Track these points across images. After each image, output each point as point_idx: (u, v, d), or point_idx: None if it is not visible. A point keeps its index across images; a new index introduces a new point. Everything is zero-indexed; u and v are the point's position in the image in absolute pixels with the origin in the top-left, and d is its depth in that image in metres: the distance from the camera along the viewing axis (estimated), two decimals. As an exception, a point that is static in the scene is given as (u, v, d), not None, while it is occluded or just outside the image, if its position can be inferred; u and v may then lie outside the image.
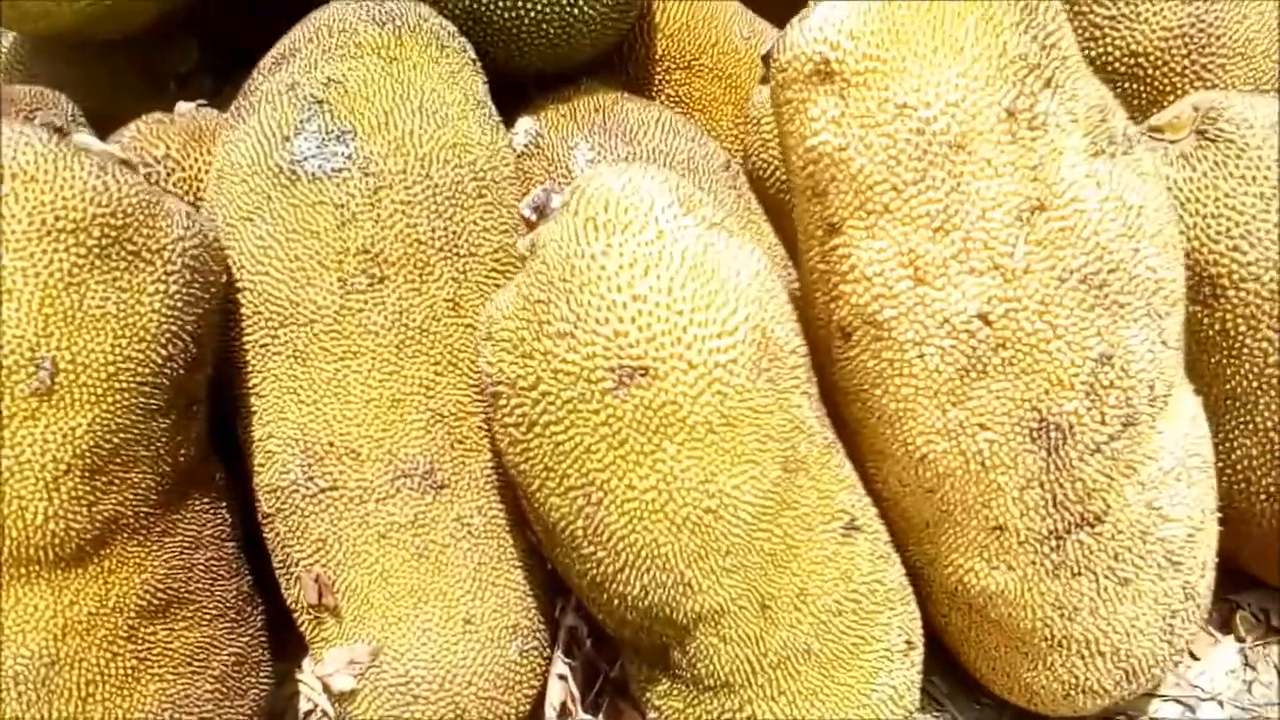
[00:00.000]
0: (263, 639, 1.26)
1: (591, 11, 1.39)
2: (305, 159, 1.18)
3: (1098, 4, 1.40)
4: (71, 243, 1.00)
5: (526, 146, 1.45)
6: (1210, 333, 1.25)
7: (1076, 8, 1.42)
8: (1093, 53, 1.42)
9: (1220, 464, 1.30)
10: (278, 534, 1.23)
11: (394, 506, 1.20)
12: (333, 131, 1.19)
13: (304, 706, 1.40)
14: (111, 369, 1.02)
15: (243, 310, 1.19)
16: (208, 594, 1.16)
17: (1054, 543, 1.13)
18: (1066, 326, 1.05)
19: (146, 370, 1.05)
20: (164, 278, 1.06)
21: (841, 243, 1.09)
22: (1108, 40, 1.41)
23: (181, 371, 1.09)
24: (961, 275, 1.04)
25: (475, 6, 1.36)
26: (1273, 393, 1.24)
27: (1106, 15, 1.40)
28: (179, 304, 1.08)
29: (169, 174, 1.36)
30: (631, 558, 1.08)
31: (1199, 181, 1.22)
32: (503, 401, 1.09)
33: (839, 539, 1.14)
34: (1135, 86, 1.43)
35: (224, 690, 1.18)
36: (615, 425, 1.04)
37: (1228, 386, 1.27)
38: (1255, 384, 1.25)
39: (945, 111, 1.01)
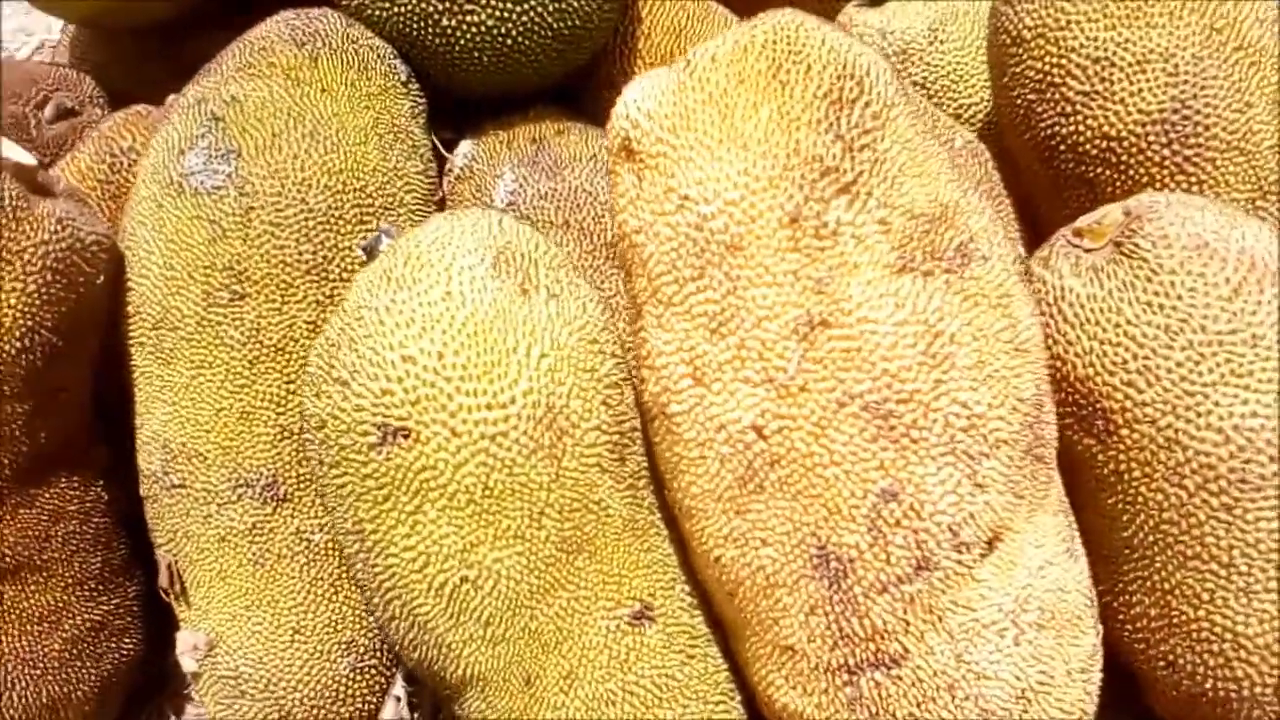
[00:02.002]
0: (133, 609, 1.36)
1: (528, 43, 1.37)
2: (192, 173, 1.24)
3: (1071, 77, 1.25)
4: (-73, 241, 1.10)
5: (462, 170, 1.45)
6: (1105, 471, 1.11)
7: (1050, 79, 1.26)
8: (1064, 130, 1.27)
9: (1118, 620, 1.16)
10: (147, 517, 1.31)
11: (234, 512, 1.25)
12: (220, 150, 1.24)
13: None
14: (-37, 356, 1.12)
15: (127, 308, 1.27)
16: (65, 563, 1.26)
17: (846, 676, 1.04)
18: (845, 454, 0.96)
19: (5, 357, 1.15)
20: (22, 277, 1.15)
21: (640, 326, 1.04)
22: (1080, 119, 1.25)
23: (39, 363, 1.18)
24: (737, 383, 0.97)
25: (409, 30, 1.36)
26: (1169, 551, 1.08)
27: (1080, 90, 1.24)
28: (37, 302, 1.16)
29: (130, 165, 1.46)
30: (397, 611, 1.09)
31: (1103, 301, 1.07)
32: (307, 435, 1.12)
33: (623, 626, 1.10)
34: (1109, 174, 1.26)
35: (74, 652, 1.28)
36: (380, 480, 1.04)
37: (1124, 535, 1.12)
38: (1151, 538, 1.09)
39: (723, 210, 0.93)
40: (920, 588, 0.99)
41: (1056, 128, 1.27)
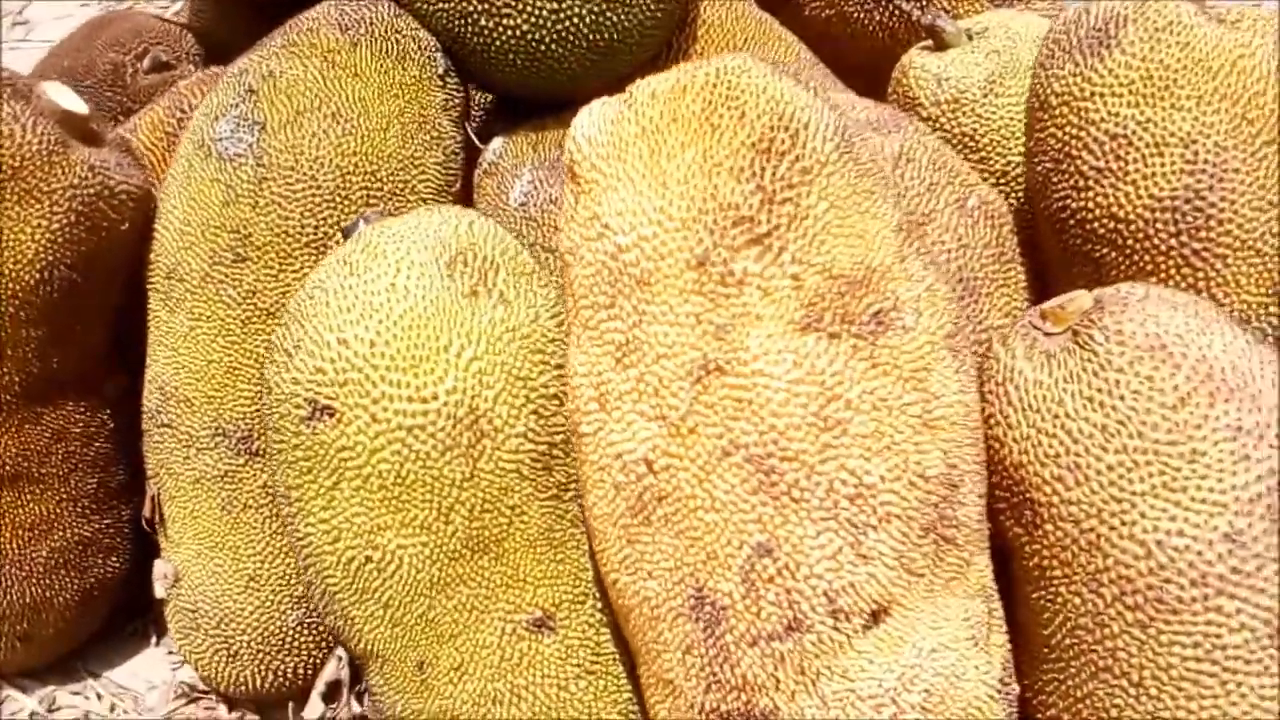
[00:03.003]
0: (123, 530, 1.47)
1: (561, 51, 1.40)
2: (220, 139, 1.32)
3: (1087, 150, 1.19)
4: (-29, 171, 1.22)
5: (489, 166, 1.49)
6: (1030, 564, 1.06)
7: (1068, 149, 1.21)
8: (1075, 205, 1.21)
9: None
10: (144, 449, 1.42)
11: (210, 459, 1.34)
12: (248, 120, 1.32)
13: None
14: (-12, 279, 1.24)
15: (150, 254, 1.37)
16: (61, 479, 1.38)
17: (720, 720, 1.04)
18: (725, 502, 0.95)
19: (18, 287, 1.26)
20: (48, 215, 1.26)
21: (568, 345, 1.05)
22: (1091, 195, 1.19)
23: (56, 296, 1.29)
24: (634, 415, 0.97)
25: (451, 27, 1.41)
26: (1083, 659, 1.03)
27: (1093, 165, 1.18)
28: (60, 240, 1.27)
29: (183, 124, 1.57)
30: (314, 577, 1.14)
31: (1048, 390, 1.03)
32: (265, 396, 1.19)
33: (520, 631, 1.13)
34: (1114, 256, 1.20)
35: (61, 561, 1.40)
36: (305, 452, 1.09)
37: (1044, 633, 1.07)
38: (1067, 640, 1.04)
39: (637, 244, 0.94)
40: (791, 648, 0.98)
41: (1068, 201, 1.21)
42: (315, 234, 1.31)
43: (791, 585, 0.96)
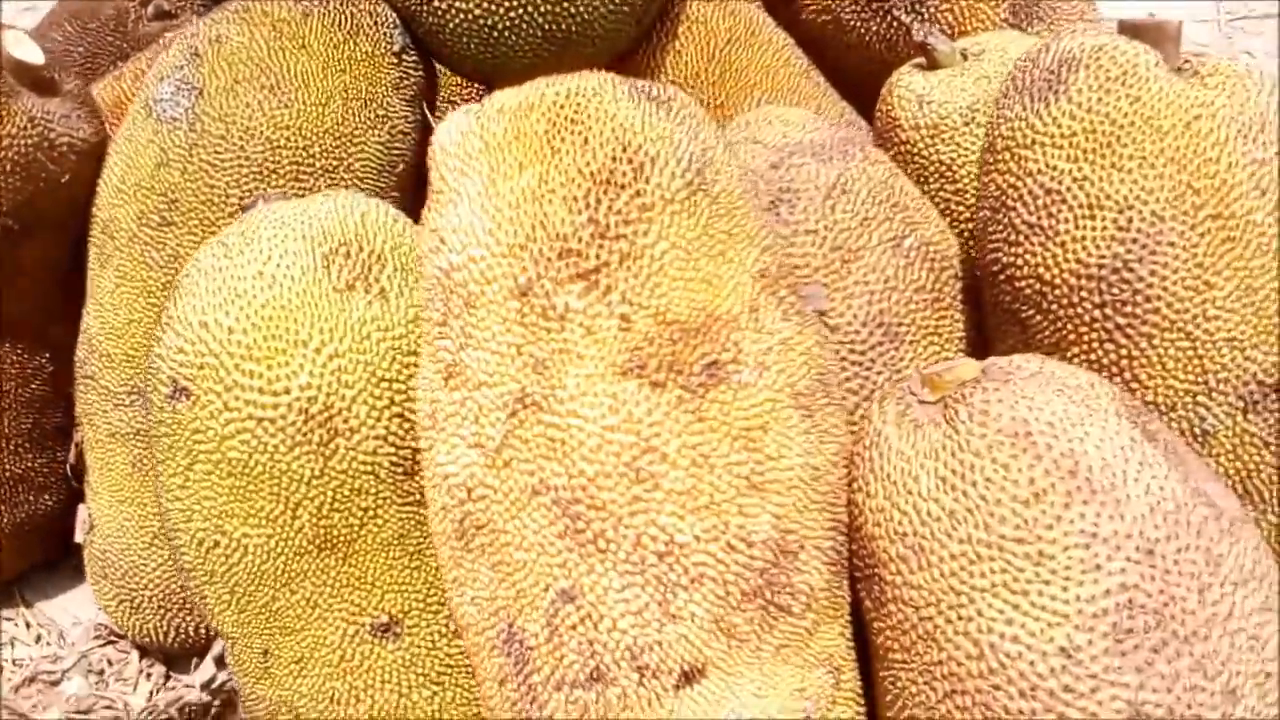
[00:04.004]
0: (57, 472, 1.50)
1: (515, 38, 1.36)
2: (159, 100, 1.33)
3: (1021, 203, 1.09)
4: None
5: (442, 148, 1.46)
6: (875, 640, 1.00)
7: (1005, 199, 1.11)
8: (1005, 259, 1.12)
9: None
10: (75, 395, 1.45)
11: (125, 415, 1.36)
12: (187, 84, 1.32)
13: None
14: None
15: (93, 208, 1.39)
16: None
17: (532, 757, 1.01)
18: (533, 543, 0.91)
19: (-48, 232, 1.29)
20: (-16, 162, 1.28)
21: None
22: (1019, 252, 1.10)
23: (15, 226, 1.31)
24: (456, 439, 0.94)
25: (409, 3, 1.38)
26: (914, 743, 0.97)
27: (1025, 220, 1.09)
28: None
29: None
30: (175, 552, 1.15)
31: (908, 462, 0.95)
32: (154, 367, 1.19)
33: (363, 633, 1.11)
34: (1040, 320, 1.10)
35: (10, 486, 1.44)
36: (168, 429, 1.09)
37: (888, 715, 1.01)
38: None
39: (466, 264, 0.90)
40: (595, 698, 0.94)
41: (1000, 254, 1.12)
42: (240, 204, 1.30)
43: (593, 636, 0.92)
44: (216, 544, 1.09)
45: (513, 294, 0.88)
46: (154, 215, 1.31)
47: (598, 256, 0.87)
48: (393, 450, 1.09)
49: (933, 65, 1.44)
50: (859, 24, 1.54)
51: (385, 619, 1.12)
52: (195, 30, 1.37)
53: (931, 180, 1.41)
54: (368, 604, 1.11)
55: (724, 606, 0.92)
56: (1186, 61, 1.10)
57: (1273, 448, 1.05)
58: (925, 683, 0.94)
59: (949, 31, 1.53)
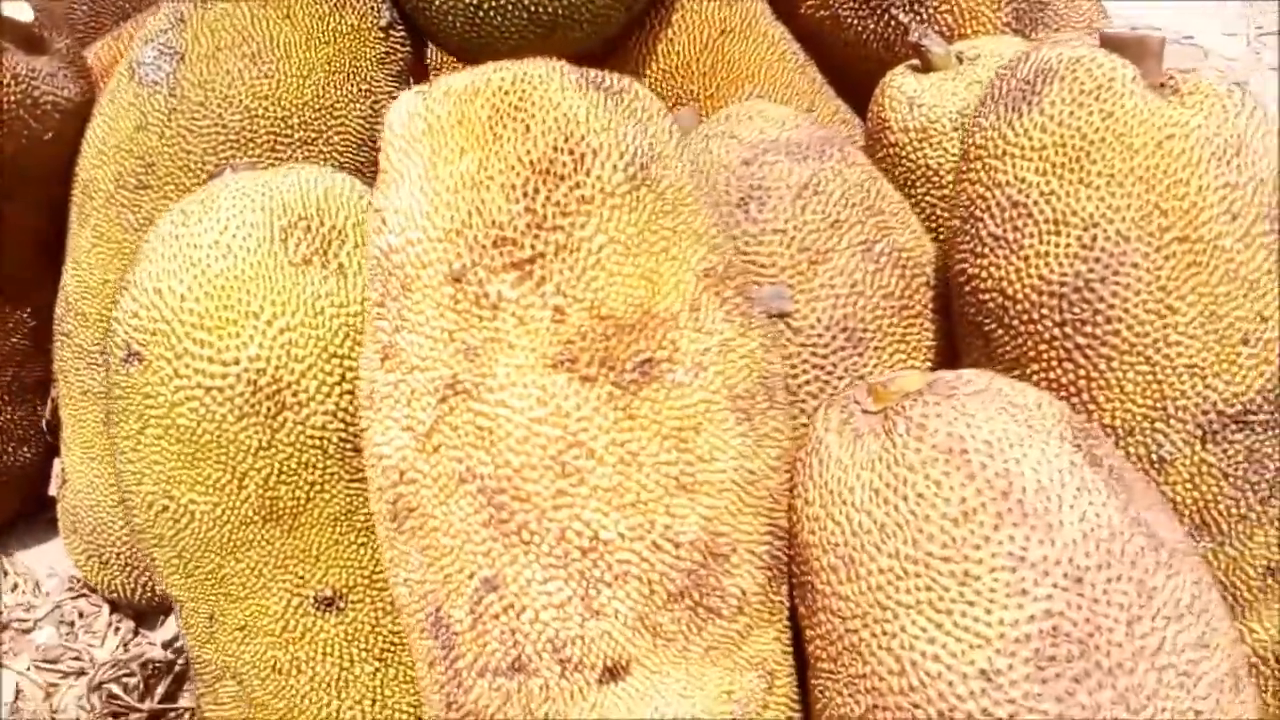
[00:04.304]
0: (37, 425, 1.52)
1: (501, 20, 1.34)
2: (142, 64, 1.33)
3: (989, 214, 1.07)
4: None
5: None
6: (808, 649, 0.99)
7: (973, 210, 1.09)
8: (971, 271, 1.10)
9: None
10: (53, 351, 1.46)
11: (96, 374, 1.37)
12: (169, 49, 1.32)
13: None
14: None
15: (77, 166, 1.40)
16: None
17: (458, 740, 1.01)
18: (459, 529, 0.91)
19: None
20: (-33, 116, 1.29)
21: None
22: (983, 264, 1.08)
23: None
24: (390, 420, 0.94)
25: (399, -21, 1.38)
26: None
27: (991, 232, 1.07)
28: (-24, 142, 1.31)
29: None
30: (129, 510, 1.16)
31: (845, 472, 0.94)
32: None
33: (306, 606, 1.12)
34: (1000, 334, 1.08)
35: (-26, 446, 1.47)
36: (122, 391, 1.10)
37: (817, 722, 1.00)
38: (830, 736, 0.97)
39: (404, 247, 0.90)
40: (517, 687, 0.94)
41: (966, 265, 1.10)
42: (216, 172, 1.30)
43: (515, 626, 0.92)
44: (165, 508, 1.10)
45: (447, 279, 0.88)
46: (131, 178, 1.32)
47: (533, 247, 0.86)
48: (342, 426, 1.09)
49: (927, 68, 1.41)
50: (856, 22, 1.51)
51: (329, 593, 1.12)
52: (182, -3, 1.37)
53: (918, 184, 1.39)
54: (311, 577, 1.11)
55: (649, 605, 0.92)
56: (1171, 78, 1.07)
57: (1231, 479, 1.02)
58: (850, 695, 0.93)
59: (947, 34, 1.50)
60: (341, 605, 1.13)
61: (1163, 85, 1.06)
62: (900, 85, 1.40)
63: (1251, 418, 1.01)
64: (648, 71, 1.49)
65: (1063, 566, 0.85)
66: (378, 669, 1.15)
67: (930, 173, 1.38)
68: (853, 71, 1.59)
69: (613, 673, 0.94)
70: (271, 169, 1.16)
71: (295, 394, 1.06)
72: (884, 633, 0.89)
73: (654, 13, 1.49)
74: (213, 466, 1.07)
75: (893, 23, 1.48)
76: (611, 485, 0.88)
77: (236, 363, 1.05)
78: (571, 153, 0.87)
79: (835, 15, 1.51)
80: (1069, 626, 0.84)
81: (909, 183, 1.41)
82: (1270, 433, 1.01)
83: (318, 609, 1.12)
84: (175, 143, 1.30)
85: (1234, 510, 1.04)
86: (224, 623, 1.13)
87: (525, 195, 0.86)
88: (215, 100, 1.30)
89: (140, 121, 1.31)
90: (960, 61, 1.41)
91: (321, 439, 1.08)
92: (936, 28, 1.49)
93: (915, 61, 1.42)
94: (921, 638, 0.87)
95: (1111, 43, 1.06)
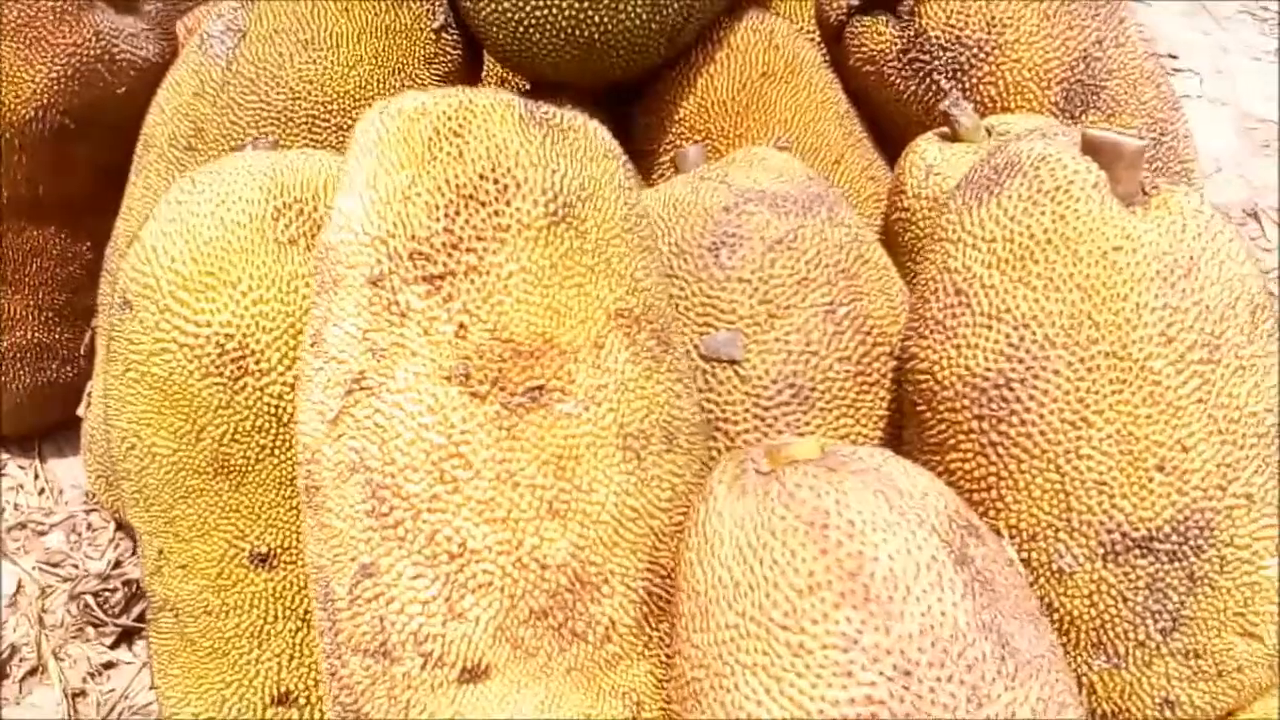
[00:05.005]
0: (74, 346, 1.66)
1: (540, 38, 1.40)
2: (210, 36, 1.44)
3: (935, 296, 1.07)
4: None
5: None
6: (666, 680, 1.02)
7: (925, 290, 1.09)
8: (912, 348, 1.10)
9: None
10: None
11: (127, 312, 1.49)
12: (235, 26, 1.43)
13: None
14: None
15: (144, 122, 1.52)
16: (33, 288, 1.63)
17: (340, 710, 1.08)
18: (347, 514, 0.97)
19: (15, 118, 1.45)
20: (48, 63, 1.43)
21: (321, 317, 1.10)
22: (923, 344, 1.07)
23: (46, 133, 1.47)
24: (308, 404, 1.01)
25: (449, -15, 1.45)
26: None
27: (933, 315, 1.06)
28: (54, 88, 1.45)
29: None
30: (108, 441, 1.27)
31: (721, 523, 0.96)
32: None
33: (241, 558, 1.20)
34: (927, 416, 1.08)
35: (17, 355, 1.63)
36: (115, 333, 1.21)
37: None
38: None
39: (339, 245, 0.96)
40: (383, 671, 1.00)
41: (910, 343, 1.10)
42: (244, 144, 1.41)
43: (384, 613, 0.98)
44: (133, 446, 1.20)
45: (367, 282, 0.94)
46: (182, 139, 1.43)
47: (445, 264, 0.92)
48: (286, 388, 1.17)
49: (955, 137, 1.40)
50: (899, 81, 1.51)
51: (265, 549, 1.20)
52: (259, -22, 1.48)
53: (923, 251, 1.39)
54: (250, 532, 1.20)
55: (509, 618, 0.96)
56: (1155, 186, 1.05)
57: (1130, 603, 1.00)
58: (686, 740, 0.95)
59: (989, 106, 1.48)
60: (274, 563, 1.21)
61: (1141, 192, 1.04)
62: (923, 152, 1.40)
63: (1157, 545, 0.98)
64: (683, 104, 1.52)
65: (894, 657, 0.86)
66: (299, 628, 1.23)
67: (950, 242, 1.37)
68: (893, 125, 1.59)
69: (472, 674, 0.99)
70: (288, 150, 1.25)
71: (258, 362, 1.15)
72: (720, 687, 0.92)
73: (700, 47, 1.53)
74: (176, 416, 1.16)
75: (934, 87, 1.48)
76: (485, 499, 0.93)
77: (209, 325, 1.14)
78: (496, 182, 0.92)
79: (880, 71, 1.52)
80: (887, 715, 0.85)
81: (917, 248, 1.41)
82: (1177, 564, 0.99)
83: (252, 563, 1.21)
84: (225, 113, 1.41)
85: (1131, 635, 1.02)
86: (169, 559, 1.23)
87: (446, 215, 0.92)
88: (265, 79, 1.40)
89: (198, 89, 1.43)
90: (990, 135, 1.40)
91: (277, 407, 1.16)
92: (979, 99, 1.48)
93: (945, 129, 1.42)
94: (750, 699, 0.89)
95: (1089, 145, 1.05)
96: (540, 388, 0.93)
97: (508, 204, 0.92)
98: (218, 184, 1.17)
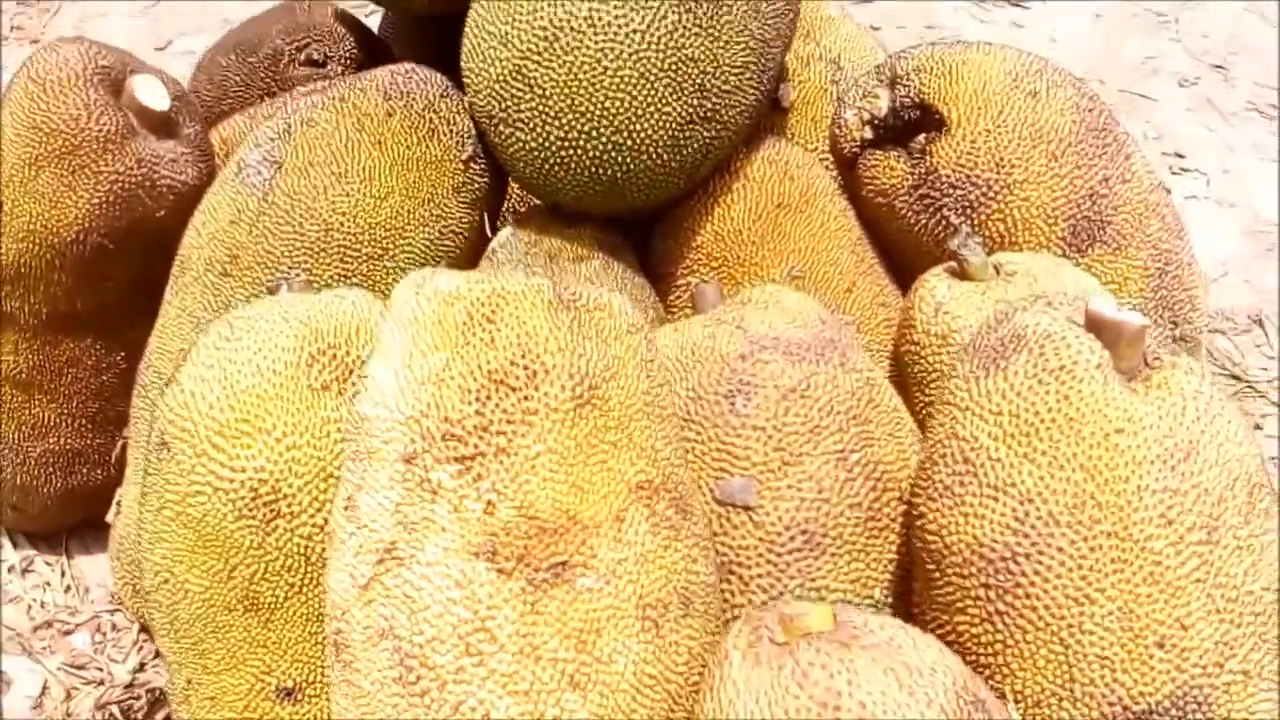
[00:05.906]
0: (105, 452, 1.71)
1: (563, 173, 1.45)
2: (246, 165, 1.50)
3: (944, 462, 1.11)
4: (36, 139, 1.46)
5: (490, 252, 1.58)
6: None
7: (934, 452, 1.13)
8: (922, 508, 1.13)
9: None
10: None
11: (159, 428, 1.54)
12: (271, 157, 1.48)
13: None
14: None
15: (181, 242, 1.57)
16: (67, 397, 1.65)
17: None
18: (375, 679, 1.01)
19: (56, 240, 1.50)
20: (92, 189, 1.49)
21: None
22: (933, 507, 1.11)
23: (87, 254, 1.52)
24: (339, 565, 1.05)
25: (479, 118, 1.50)
26: None
27: (942, 480, 1.10)
28: (96, 213, 1.50)
29: (290, 127, 1.75)
30: (141, 570, 1.31)
31: (735, 692, 0.99)
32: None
33: (267, 692, 1.24)
34: (936, 577, 1.11)
35: (50, 460, 1.67)
36: (153, 470, 1.25)
37: None
38: None
39: (374, 418, 1.01)
40: None
41: (919, 503, 1.14)
42: (275, 283, 1.45)
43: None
44: (166, 580, 1.24)
45: (400, 458, 0.99)
46: (217, 264, 1.48)
47: (476, 446, 0.96)
48: (326, 539, 1.21)
49: (964, 275, 1.45)
50: (910, 214, 1.56)
51: (290, 684, 1.24)
52: (295, 108, 1.53)
53: (931, 386, 1.43)
54: (277, 667, 1.24)
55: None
56: (1157, 358, 1.10)
57: (1131, 772, 1.04)
58: None
59: (997, 241, 1.53)
60: (299, 697, 1.25)
61: (1145, 368, 1.09)
62: (932, 287, 1.44)
63: (1157, 719, 1.02)
64: (700, 232, 1.57)
65: (898, 841, 0.90)
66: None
67: (943, 378, 1.41)
68: (906, 254, 1.63)
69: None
70: (322, 290, 1.29)
71: (290, 505, 1.19)
72: None
73: (717, 178, 1.58)
74: (209, 555, 1.21)
75: (944, 221, 1.53)
76: (509, 672, 0.97)
77: (244, 470, 1.18)
78: (526, 368, 0.96)
79: (891, 204, 1.56)
80: None
81: (924, 382, 1.45)
82: (1176, 737, 1.02)
83: (278, 696, 1.25)
84: (259, 241, 1.46)
85: (1132, 803, 1.05)
86: (198, 689, 1.27)
87: (478, 399, 0.96)
88: (299, 210, 1.45)
89: (235, 216, 1.48)
90: (998, 272, 1.45)
91: (306, 547, 1.20)
92: (987, 234, 1.53)
93: (955, 265, 1.46)
94: None
95: (1093, 322, 1.09)
96: (564, 564, 0.97)
97: (536, 389, 0.96)
98: (254, 330, 1.22)
